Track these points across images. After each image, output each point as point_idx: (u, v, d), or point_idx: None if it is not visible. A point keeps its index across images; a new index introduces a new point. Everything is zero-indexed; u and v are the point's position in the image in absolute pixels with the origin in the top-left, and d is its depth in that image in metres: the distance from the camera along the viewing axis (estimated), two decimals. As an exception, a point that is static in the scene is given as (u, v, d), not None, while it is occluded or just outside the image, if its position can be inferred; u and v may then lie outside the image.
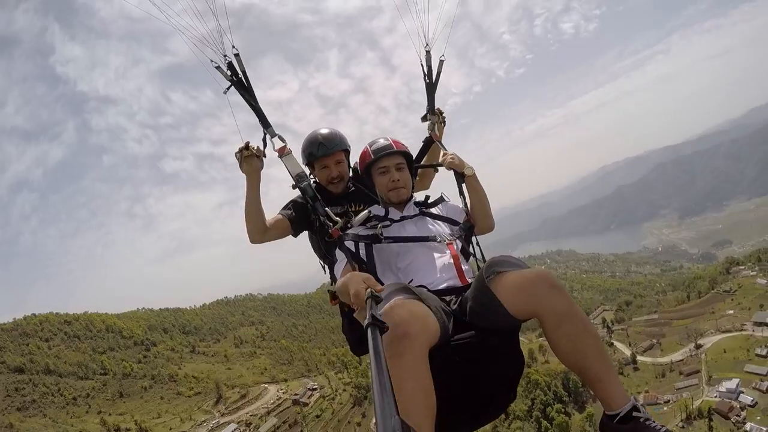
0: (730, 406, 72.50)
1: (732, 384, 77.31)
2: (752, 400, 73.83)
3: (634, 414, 2.19)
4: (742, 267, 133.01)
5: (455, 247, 3.21)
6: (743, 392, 75.84)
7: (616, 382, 2.28)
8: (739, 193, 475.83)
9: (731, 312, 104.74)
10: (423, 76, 4.34)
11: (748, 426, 68.36)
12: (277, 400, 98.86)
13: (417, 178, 4.24)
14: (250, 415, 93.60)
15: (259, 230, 3.65)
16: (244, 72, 3.54)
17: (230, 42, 3.38)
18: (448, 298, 2.76)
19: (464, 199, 3.66)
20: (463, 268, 3.08)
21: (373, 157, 3.43)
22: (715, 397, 77.38)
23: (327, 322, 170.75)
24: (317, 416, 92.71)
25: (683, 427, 71.99)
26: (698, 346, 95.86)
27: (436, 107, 4.35)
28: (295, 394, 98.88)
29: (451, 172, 3.77)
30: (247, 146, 3.54)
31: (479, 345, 2.48)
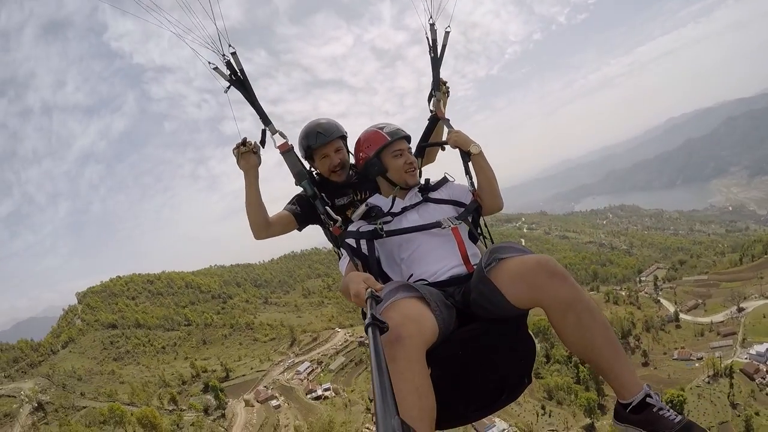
0: (756, 368, 74.38)
1: (762, 348, 78.94)
2: (779, 365, 74.72)
3: (648, 400, 2.17)
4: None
5: (460, 231, 3.15)
6: (773, 356, 76.51)
7: (627, 370, 2.24)
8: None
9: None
10: (428, 50, 4.17)
11: (770, 387, 69.70)
12: (345, 342, 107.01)
13: (422, 158, 4.14)
14: (321, 355, 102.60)
15: (261, 227, 3.64)
16: (242, 70, 3.55)
17: (227, 41, 3.40)
18: (451, 289, 2.74)
19: (470, 178, 3.53)
20: (468, 253, 3.04)
21: (389, 139, 3.36)
22: (746, 358, 79.30)
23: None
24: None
25: (709, 382, 74.55)
26: (740, 309, 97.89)
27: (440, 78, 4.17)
28: (361, 337, 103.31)
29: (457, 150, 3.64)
30: (244, 142, 3.50)
31: (483, 336, 2.51)
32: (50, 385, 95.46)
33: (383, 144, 3.37)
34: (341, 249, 3.32)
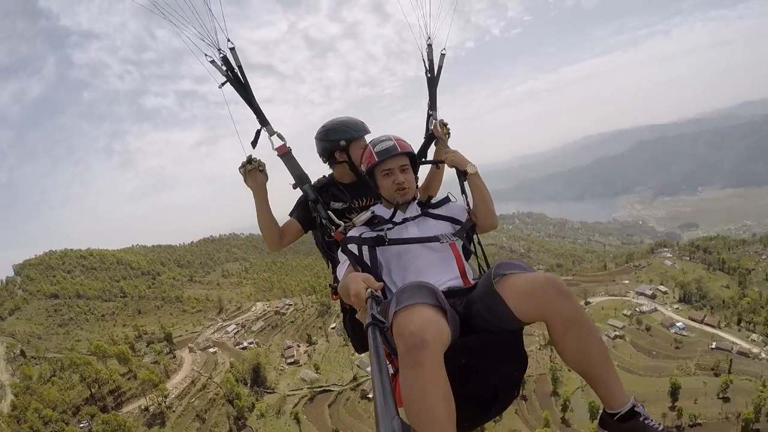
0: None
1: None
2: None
3: (635, 410, 2.36)
4: (666, 249, 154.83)
5: (458, 247, 3.27)
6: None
7: (617, 383, 2.43)
8: (715, 181, 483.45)
9: (627, 282, 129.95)
10: (425, 71, 4.37)
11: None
12: (263, 311, 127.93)
13: (422, 182, 4.25)
14: (244, 320, 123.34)
15: (275, 242, 3.76)
16: (240, 67, 3.52)
17: (225, 35, 3.37)
18: (452, 300, 2.76)
19: (466, 197, 3.62)
20: (465, 269, 3.17)
21: (377, 159, 3.34)
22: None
23: (302, 260, 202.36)
24: (291, 322, 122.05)
25: (539, 349, 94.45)
26: (587, 303, 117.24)
27: (440, 119, 4.33)
28: (277, 307, 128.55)
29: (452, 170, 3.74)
30: (249, 160, 3.56)
31: (486, 346, 2.62)
32: (16, 343, 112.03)
33: (372, 164, 3.39)
34: (337, 253, 3.39)
